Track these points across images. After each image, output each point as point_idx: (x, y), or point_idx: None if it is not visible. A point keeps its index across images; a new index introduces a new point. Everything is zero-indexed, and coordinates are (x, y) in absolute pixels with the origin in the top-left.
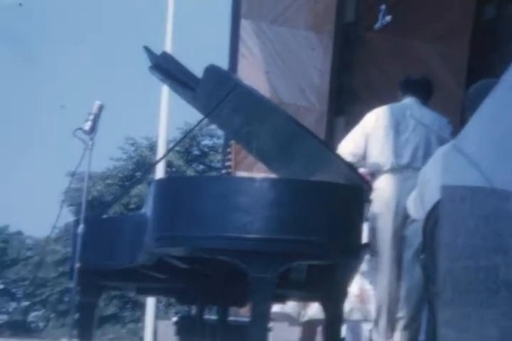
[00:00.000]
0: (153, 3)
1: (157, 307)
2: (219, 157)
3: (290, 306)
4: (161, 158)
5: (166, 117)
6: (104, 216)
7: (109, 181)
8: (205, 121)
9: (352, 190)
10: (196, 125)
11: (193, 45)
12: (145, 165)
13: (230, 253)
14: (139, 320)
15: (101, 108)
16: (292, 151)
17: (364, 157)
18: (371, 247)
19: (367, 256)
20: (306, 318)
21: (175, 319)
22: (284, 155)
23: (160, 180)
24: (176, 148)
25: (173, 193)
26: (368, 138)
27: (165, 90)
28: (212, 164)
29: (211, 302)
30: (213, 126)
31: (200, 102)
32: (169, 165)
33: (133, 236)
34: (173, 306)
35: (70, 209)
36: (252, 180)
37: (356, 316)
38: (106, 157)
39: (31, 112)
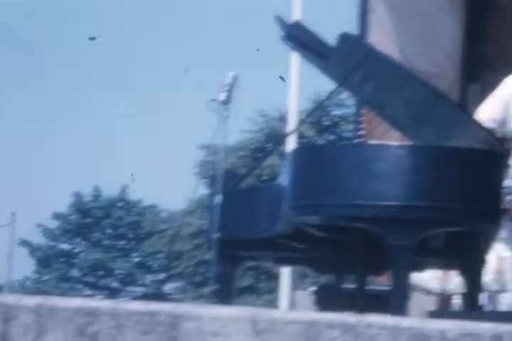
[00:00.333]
0: None
1: (292, 278)
2: (350, 127)
3: (431, 281)
4: (295, 129)
5: (296, 88)
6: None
7: (241, 153)
8: (336, 90)
9: (490, 155)
10: (330, 94)
11: (322, 14)
12: (276, 137)
13: (368, 221)
14: (274, 290)
15: (236, 78)
16: (428, 117)
17: (503, 123)
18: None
19: (505, 222)
20: (444, 292)
21: (313, 289)
22: (420, 122)
23: (297, 149)
24: (306, 119)
25: (310, 161)
26: (506, 103)
27: (294, 60)
28: (343, 134)
29: (349, 271)
30: (344, 96)
31: (333, 70)
32: (300, 135)
33: (270, 206)
34: (308, 277)
35: (203, 181)
36: (389, 146)
37: (494, 287)
38: (237, 129)
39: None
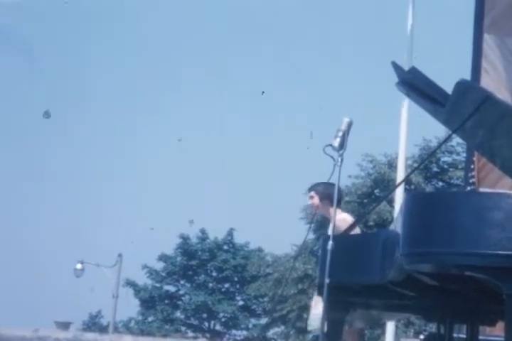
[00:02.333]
0: (391, 18)
1: (396, 326)
2: (458, 173)
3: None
4: (407, 176)
5: (406, 133)
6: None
7: (347, 198)
8: (446, 136)
9: None
10: (445, 140)
11: (435, 60)
12: (384, 182)
13: (483, 270)
14: (379, 338)
15: (350, 124)
16: None
17: None
18: None
19: None
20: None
21: (422, 337)
22: None
23: (412, 196)
24: (414, 165)
25: (426, 208)
26: None
27: (405, 106)
28: (452, 181)
29: (460, 320)
30: (453, 143)
31: (447, 116)
32: (408, 182)
33: (383, 253)
34: (413, 325)
35: (308, 226)
36: (505, 195)
37: None
38: (344, 174)
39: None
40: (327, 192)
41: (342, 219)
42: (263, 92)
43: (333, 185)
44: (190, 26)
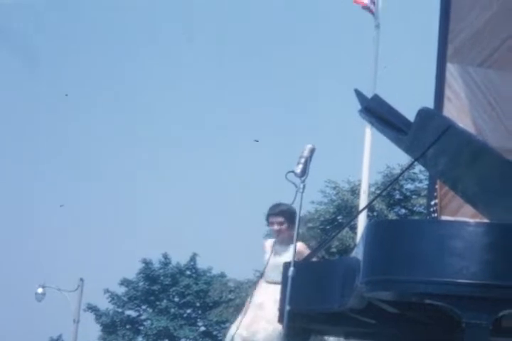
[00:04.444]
0: (355, 45)
1: None
2: (421, 201)
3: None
4: (369, 203)
5: (369, 160)
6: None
7: (310, 225)
8: (408, 164)
9: None
10: (407, 167)
11: (397, 88)
12: (346, 209)
13: (443, 298)
14: None
15: (313, 151)
16: (503, 192)
17: None
18: None
19: None
20: None
21: None
22: (495, 197)
23: (373, 223)
24: (377, 192)
25: (387, 235)
26: None
27: (368, 133)
28: (415, 208)
29: None
30: (416, 170)
31: (410, 144)
32: (371, 208)
33: (344, 280)
34: None
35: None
36: (466, 224)
37: None
38: (307, 200)
39: None
40: (294, 217)
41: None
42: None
43: (293, 207)
44: None
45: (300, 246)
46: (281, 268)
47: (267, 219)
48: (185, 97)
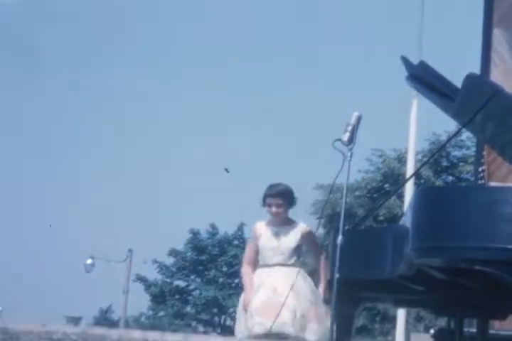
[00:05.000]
0: (402, 14)
1: (406, 321)
2: (469, 168)
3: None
4: (416, 171)
5: (415, 128)
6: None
7: (357, 193)
8: (455, 131)
9: None
10: (454, 134)
11: (444, 54)
12: (393, 177)
13: (492, 265)
14: (389, 332)
15: (359, 119)
16: None
17: None
18: None
19: None
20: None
21: (432, 331)
22: None
23: (423, 190)
24: (424, 159)
25: (436, 203)
26: None
27: (415, 100)
28: (462, 175)
29: (471, 314)
30: (463, 137)
31: (457, 110)
32: (418, 176)
33: (393, 247)
34: (424, 320)
35: (318, 221)
36: None
37: None
38: (354, 169)
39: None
40: (292, 198)
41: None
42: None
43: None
44: None
45: (307, 227)
46: (282, 250)
47: (264, 200)
48: None
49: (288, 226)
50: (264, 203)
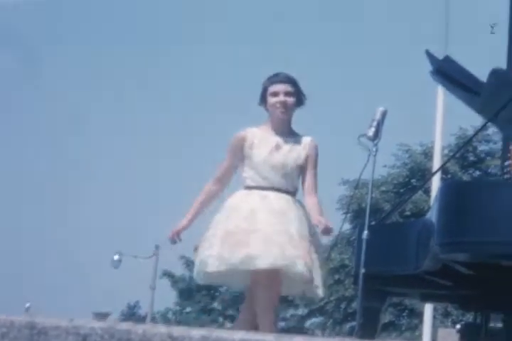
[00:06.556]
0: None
1: (434, 316)
2: (495, 162)
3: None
4: (442, 165)
5: (442, 122)
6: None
7: (383, 188)
8: (481, 125)
9: None
10: (480, 129)
11: (469, 49)
12: (420, 172)
13: None
14: (416, 328)
15: (385, 114)
16: None
17: None
18: None
19: None
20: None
21: (458, 326)
22: None
23: (449, 184)
24: (451, 154)
25: (462, 197)
26: None
27: (440, 95)
28: (489, 170)
29: (497, 309)
30: (490, 131)
31: (482, 105)
32: (445, 171)
33: (418, 242)
34: (451, 315)
35: (343, 217)
36: None
37: None
38: (379, 164)
39: None
40: (302, 93)
41: None
42: None
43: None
44: None
45: (313, 140)
46: (287, 170)
47: (264, 93)
48: None
49: (293, 138)
50: (264, 99)
